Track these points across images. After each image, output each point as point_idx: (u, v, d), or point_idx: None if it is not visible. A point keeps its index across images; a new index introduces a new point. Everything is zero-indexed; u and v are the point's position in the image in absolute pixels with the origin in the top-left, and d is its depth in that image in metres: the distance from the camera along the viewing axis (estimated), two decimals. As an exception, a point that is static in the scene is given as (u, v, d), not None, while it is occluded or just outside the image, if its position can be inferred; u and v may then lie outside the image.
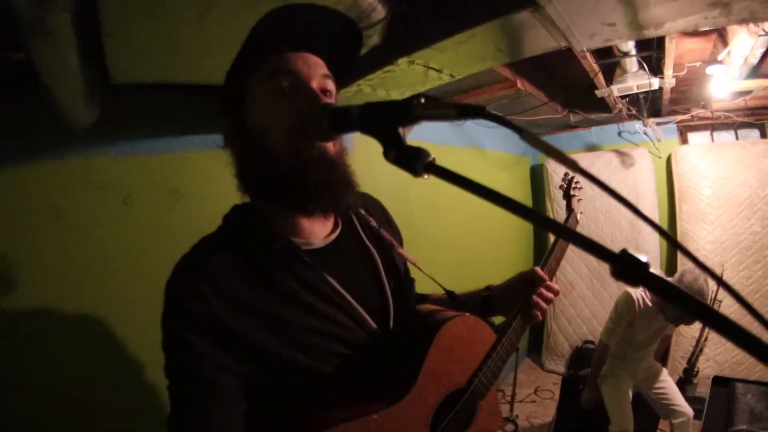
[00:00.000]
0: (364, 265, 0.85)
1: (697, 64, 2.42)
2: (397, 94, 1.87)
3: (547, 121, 3.26)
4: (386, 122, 0.55)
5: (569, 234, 0.42)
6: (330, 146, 0.73)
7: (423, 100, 0.52)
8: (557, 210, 3.78)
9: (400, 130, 0.54)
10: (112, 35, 0.95)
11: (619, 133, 3.59)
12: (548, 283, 0.98)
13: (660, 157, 3.48)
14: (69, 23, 0.87)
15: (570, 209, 1.30)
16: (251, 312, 0.68)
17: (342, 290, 0.76)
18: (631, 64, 2.32)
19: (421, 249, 2.74)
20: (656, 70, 2.36)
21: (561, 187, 1.36)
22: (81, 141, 1.56)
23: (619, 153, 3.43)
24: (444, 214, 2.96)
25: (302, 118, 0.67)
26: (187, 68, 1.20)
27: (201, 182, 1.76)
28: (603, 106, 2.95)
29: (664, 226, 3.42)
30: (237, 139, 0.75)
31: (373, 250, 0.86)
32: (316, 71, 0.73)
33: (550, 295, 0.98)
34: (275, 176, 0.70)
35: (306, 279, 0.73)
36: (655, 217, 3.37)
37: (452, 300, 1.02)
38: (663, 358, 3.10)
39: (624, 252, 0.34)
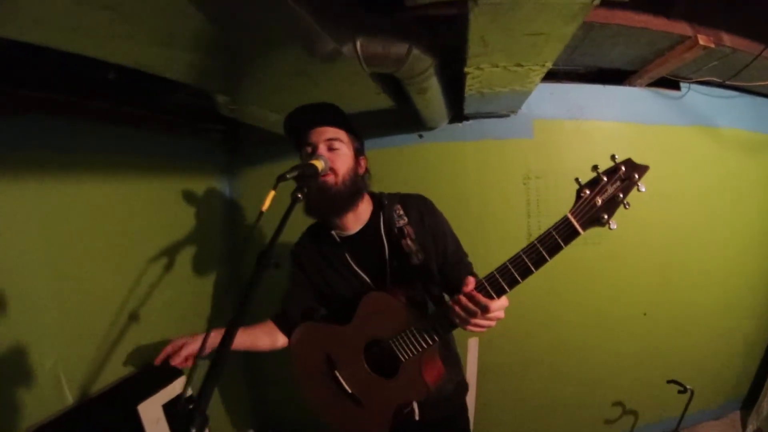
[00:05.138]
0: (374, 248, 1.38)
1: None
2: (518, 86, 1.98)
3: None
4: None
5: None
6: (329, 178, 1.28)
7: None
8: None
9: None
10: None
11: None
12: (472, 293, 1.04)
13: None
14: (437, 85, 1.79)
15: (569, 215, 0.95)
16: (314, 267, 1.46)
17: (352, 263, 1.39)
18: None
19: (613, 240, 2.46)
20: None
21: (577, 179, 0.99)
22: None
23: None
24: (649, 201, 2.40)
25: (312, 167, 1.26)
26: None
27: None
28: None
29: None
30: None
31: (384, 240, 1.37)
32: (322, 137, 1.32)
33: (469, 305, 1.04)
34: None
35: (335, 254, 1.43)
36: None
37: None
38: None
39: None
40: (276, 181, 1.06)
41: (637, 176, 0.94)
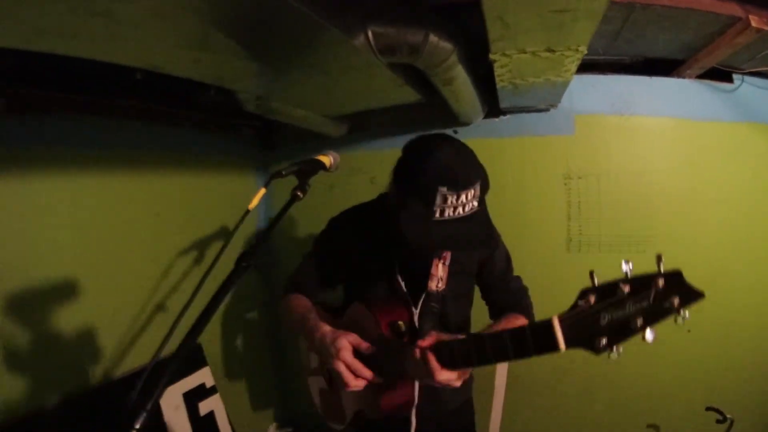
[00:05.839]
0: (422, 264, 1.28)
1: None
2: (552, 75, 1.86)
3: None
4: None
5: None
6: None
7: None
8: None
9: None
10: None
11: None
12: (425, 352, 0.91)
13: None
14: (465, 76, 1.75)
15: (555, 319, 0.72)
16: (349, 251, 1.33)
17: (396, 268, 1.28)
18: None
19: (661, 247, 2.14)
20: None
21: (591, 274, 0.72)
22: (343, 142, 2.56)
23: None
24: (700, 205, 2.23)
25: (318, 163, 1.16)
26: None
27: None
28: None
29: None
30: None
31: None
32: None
33: (419, 362, 0.92)
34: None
35: (386, 255, 1.30)
36: None
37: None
38: None
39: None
40: (269, 178, 1.02)
41: (678, 302, 0.64)
